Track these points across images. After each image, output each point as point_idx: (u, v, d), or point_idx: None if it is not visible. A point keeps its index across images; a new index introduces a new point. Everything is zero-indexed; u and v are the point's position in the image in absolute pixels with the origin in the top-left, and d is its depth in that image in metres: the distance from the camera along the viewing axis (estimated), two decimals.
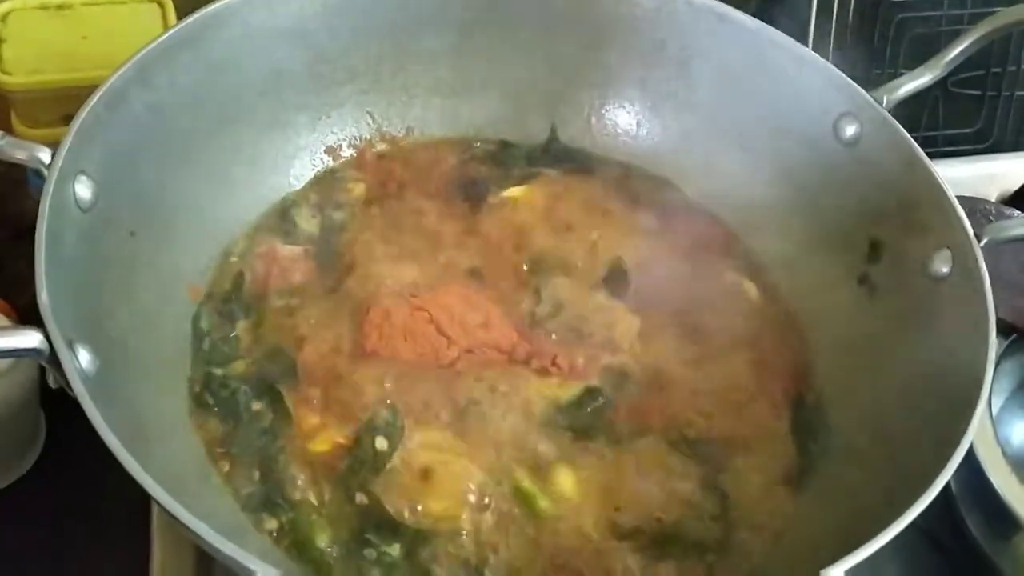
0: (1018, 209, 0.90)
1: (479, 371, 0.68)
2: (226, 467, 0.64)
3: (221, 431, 0.65)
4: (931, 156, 0.72)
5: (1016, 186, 0.96)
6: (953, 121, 1.04)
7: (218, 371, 0.68)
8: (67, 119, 0.63)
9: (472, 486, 0.63)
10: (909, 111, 0.97)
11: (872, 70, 0.99)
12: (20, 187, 0.89)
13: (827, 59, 0.77)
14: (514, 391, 0.68)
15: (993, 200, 0.94)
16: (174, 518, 0.49)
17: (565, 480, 0.65)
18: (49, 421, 0.81)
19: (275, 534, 0.62)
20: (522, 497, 0.64)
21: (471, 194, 0.80)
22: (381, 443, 0.64)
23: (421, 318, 0.69)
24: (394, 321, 0.69)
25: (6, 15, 0.90)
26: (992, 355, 0.60)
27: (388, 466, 0.64)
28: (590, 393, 0.69)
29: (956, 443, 0.55)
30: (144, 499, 0.68)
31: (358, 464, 0.64)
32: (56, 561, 0.74)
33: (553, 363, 0.70)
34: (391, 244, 0.76)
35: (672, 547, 0.63)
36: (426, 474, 0.63)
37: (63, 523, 0.76)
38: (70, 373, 0.52)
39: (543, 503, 0.64)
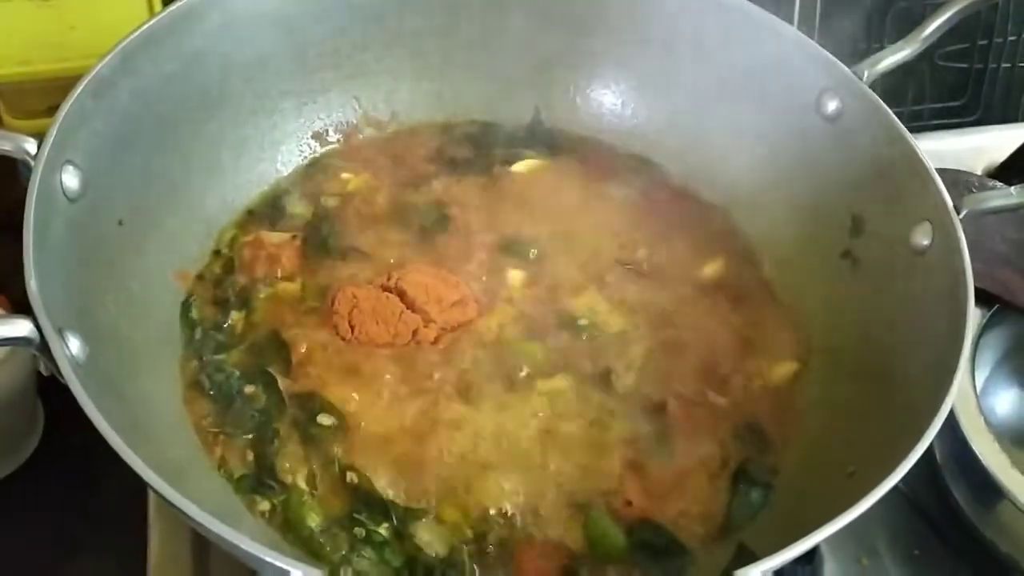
0: (1004, 181, 0.90)
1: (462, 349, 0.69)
2: (219, 450, 0.65)
3: (214, 414, 0.66)
4: (918, 130, 0.72)
5: (1003, 158, 0.96)
6: (940, 94, 1.04)
7: (211, 358, 0.69)
8: (56, 110, 0.63)
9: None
10: (896, 85, 0.97)
11: (858, 45, 0.99)
12: (12, 178, 0.89)
13: (813, 35, 0.77)
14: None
15: (979, 173, 0.94)
16: (169, 503, 0.50)
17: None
18: (47, 410, 0.81)
19: (267, 515, 0.62)
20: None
21: (454, 175, 0.80)
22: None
23: (391, 301, 0.70)
24: (363, 307, 0.69)
25: None
26: (970, 324, 0.60)
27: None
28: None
29: (932, 416, 0.56)
30: (142, 486, 0.69)
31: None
32: (55, 550, 0.75)
33: None
34: (375, 228, 0.76)
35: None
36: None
37: (62, 511, 0.77)
38: (60, 360, 0.52)
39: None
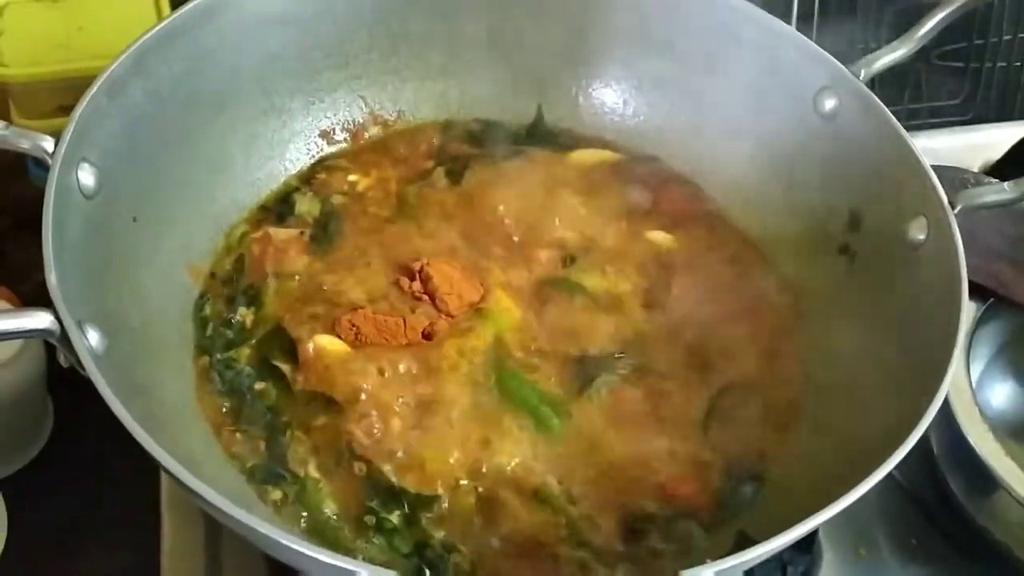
0: (1000, 178, 0.91)
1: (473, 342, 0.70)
2: (232, 443, 0.66)
3: (226, 410, 0.67)
4: (915, 128, 0.73)
5: (999, 156, 0.98)
6: (937, 93, 1.05)
7: (222, 355, 0.70)
8: (65, 109, 0.64)
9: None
10: (893, 83, 0.99)
11: (855, 44, 1.01)
12: (20, 176, 0.91)
13: (811, 35, 0.78)
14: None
15: (976, 170, 0.95)
16: (193, 492, 0.51)
17: None
18: (56, 406, 0.82)
19: (279, 504, 0.64)
20: None
21: (458, 174, 0.81)
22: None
23: (390, 318, 0.70)
24: (365, 331, 0.70)
25: (3, 8, 0.91)
26: (964, 317, 0.62)
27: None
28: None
29: (927, 406, 0.57)
30: (152, 479, 0.70)
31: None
32: (66, 543, 0.76)
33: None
34: (382, 226, 0.77)
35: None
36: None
37: (73, 506, 0.78)
38: (81, 352, 0.53)
39: None
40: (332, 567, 0.50)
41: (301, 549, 0.50)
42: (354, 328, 0.70)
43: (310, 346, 0.69)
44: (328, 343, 0.69)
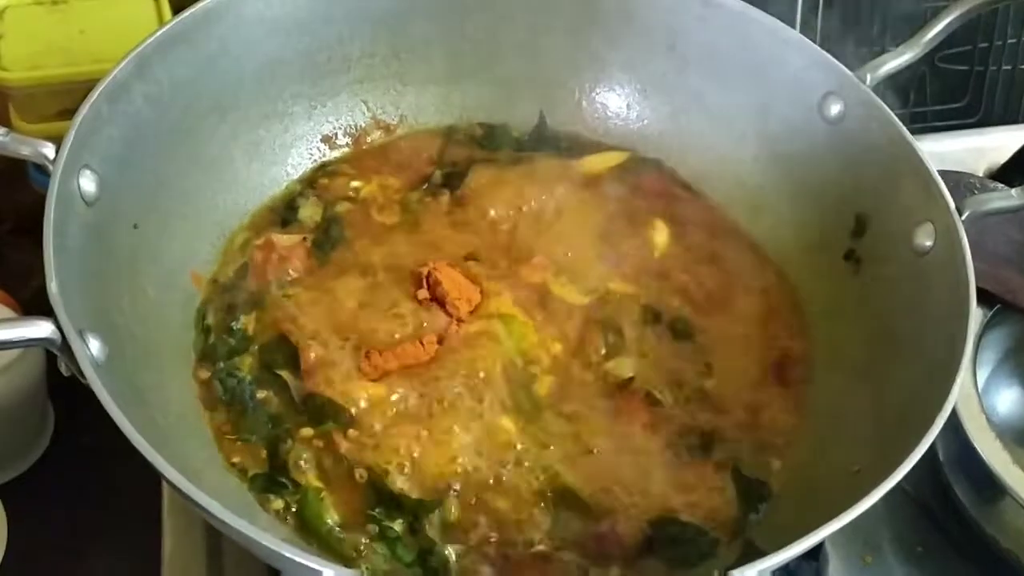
0: (1005, 182, 0.90)
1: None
2: (233, 452, 0.66)
3: (229, 419, 0.67)
4: (919, 131, 0.73)
5: (1004, 159, 0.97)
6: (941, 96, 1.05)
7: (224, 363, 0.69)
8: (65, 113, 0.64)
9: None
10: (897, 87, 0.98)
11: (860, 48, 1.00)
12: (19, 180, 0.90)
13: (815, 39, 0.78)
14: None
15: (980, 174, 0.95)
16: (193, 502, 0.51)
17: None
18: (57, 411, 0.82)
19: (281, 513, 0.63)
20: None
21: (460, 178, 0.81)
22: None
23: (408, 345, 0.70)
24: (388, 366, 0.69)
25: (3, 11, 0.91)
26: (972, 324, 0.61)
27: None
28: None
29: (935, 415, 0.57)
30: (152, 485, 0.70)
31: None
32: (66, 549, 0.76)
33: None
34: (384, 231, 0.77)
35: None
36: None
37: (73, 510, 0.78)
38: (82, 361, 0.53)
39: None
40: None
41: (300, 559, 0.50)
42: (378, 369, 0.69)
43: (312, 355, 0.68)
44: (370, 390, 0.68)
